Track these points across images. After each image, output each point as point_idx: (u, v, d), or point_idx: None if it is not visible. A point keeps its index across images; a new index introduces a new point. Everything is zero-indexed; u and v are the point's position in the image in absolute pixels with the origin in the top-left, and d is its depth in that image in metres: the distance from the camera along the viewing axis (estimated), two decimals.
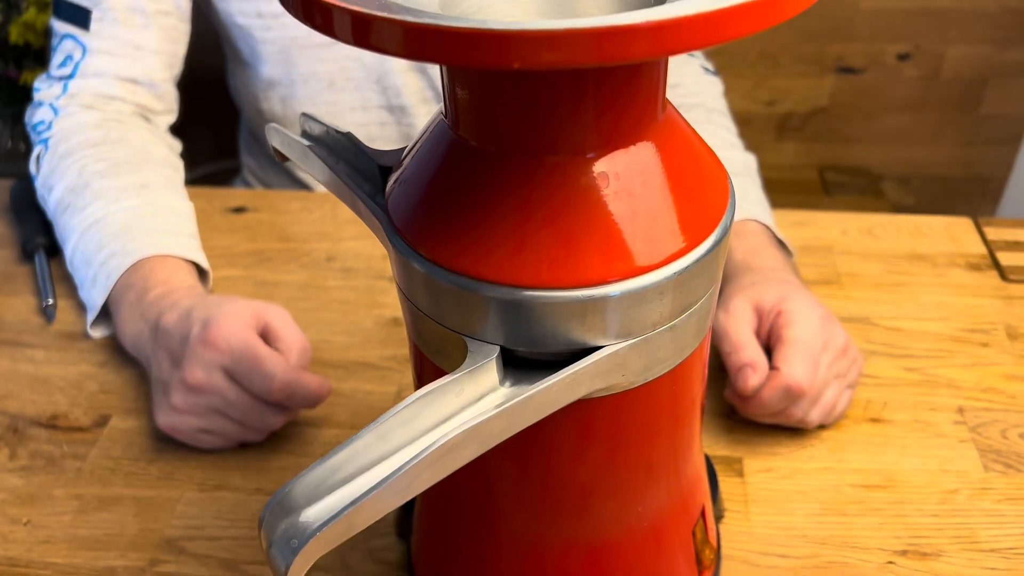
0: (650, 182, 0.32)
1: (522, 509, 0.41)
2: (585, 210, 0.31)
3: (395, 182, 0.36)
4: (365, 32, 0.24)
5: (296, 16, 0.26)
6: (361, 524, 0.30)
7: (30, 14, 1.13)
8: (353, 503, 0.29)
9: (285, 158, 0.45)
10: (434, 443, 0.30)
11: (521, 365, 0.34)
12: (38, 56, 1.20)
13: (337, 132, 0.41)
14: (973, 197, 1.46)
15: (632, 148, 0.32)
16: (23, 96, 1.20)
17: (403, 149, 0.38)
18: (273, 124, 0.44)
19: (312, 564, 0.29)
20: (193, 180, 0.81)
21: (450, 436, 0.30)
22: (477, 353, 0.33)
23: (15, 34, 1.14)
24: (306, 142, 0.41)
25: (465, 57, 0.23)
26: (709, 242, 0.33)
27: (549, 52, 0.23)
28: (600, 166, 0.31)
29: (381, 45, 0.24)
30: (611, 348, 0.33)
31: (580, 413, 0.35)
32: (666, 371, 0.35)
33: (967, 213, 1.47)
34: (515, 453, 0.38)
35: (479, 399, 0.33)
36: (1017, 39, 1.30)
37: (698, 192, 0.33)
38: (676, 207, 0.32)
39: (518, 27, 0.23)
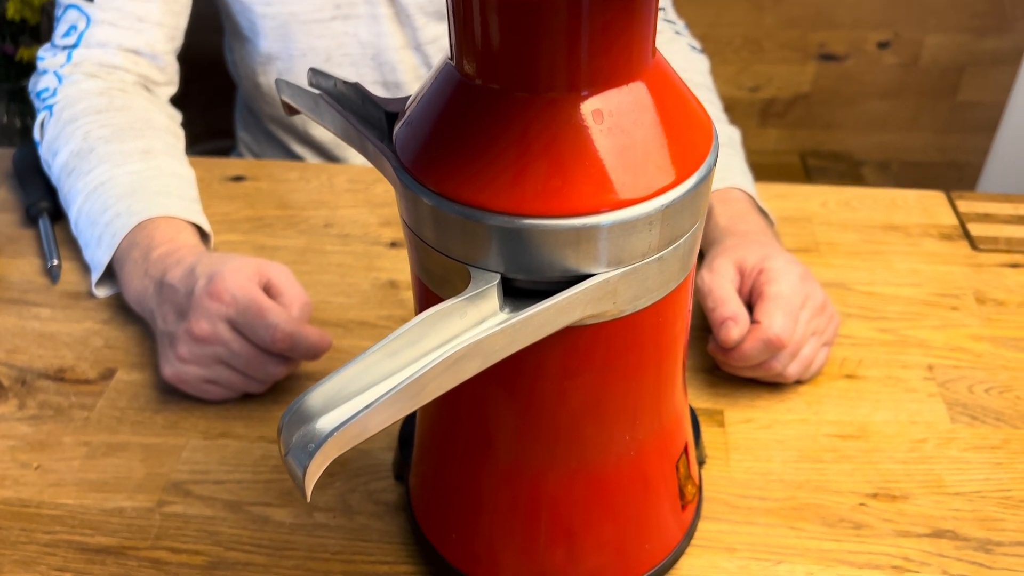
0: (640, 120, 0.35)
1: (516, 439, 0.43)
2: (580, 144, 0.34)
3: (402, 123, 0.39)
4: None
5: None
6: (374, 428, 0.32)
7: None
8: (367, 407, 0.31)
9: (294, 111, 0.48)
10: (442, 354, 0.32)
11: (519, 295, 0.36)
12: (34, 32, 1.21)
13: (345, 83, 0.43)
14: (950, 183, 1.50)
15: (624, 88, 0.34)
16: (19, 72, 1.21)
17: (407, 97, 0.41)
18: (281, 79, 0.46)
19: (327, 464, 0.32)
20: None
21: (457, 348, 0.32)
22: (479, 280, 0.36)
23: (12, 10, 1.15)
24: (316, 91, 0.44)
25: None
26: (694, 178, 0.36)
27: None
28: (594, 103, 0.34)
29: None
30: (603, 276, 0.35)
31: (573, 339, 0.38)
32: (653, 302, 0.38)
33: None
34: (511, 381, 0.41)
35: (481, 322, 0.35)
36: (993, 28, 1.34)
37: (684, 131, 0.36)
38: (664, 144, 0.35)
39: None
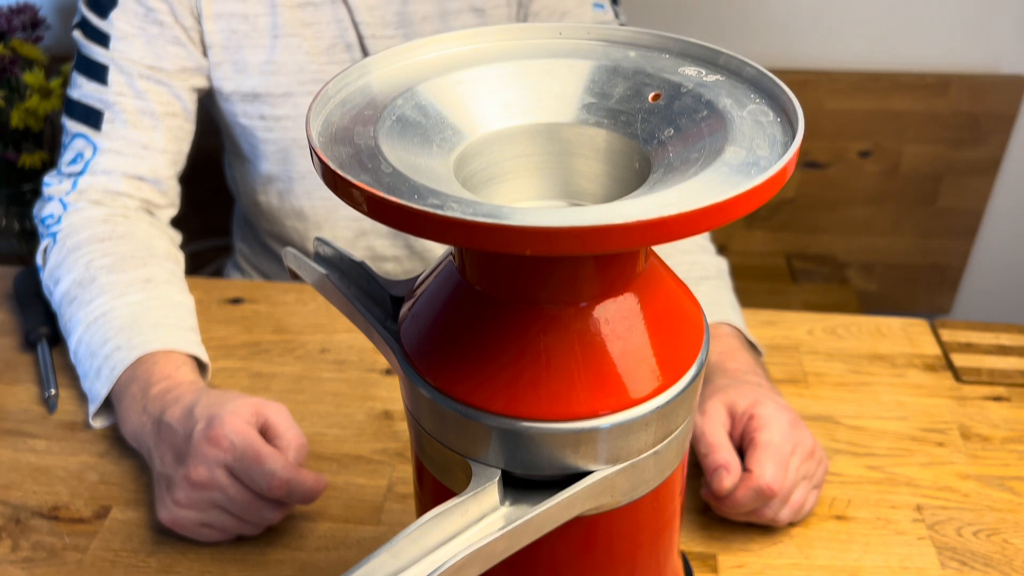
0: (635, 327, 0.36)
1: None
2: (578, 351, 0.35)
3: (407, 313, 0.40)
4: (402, 219, 0.28)
5: (337, 195, 0.31)
6: None
7: (33, 101, 1.17)
8: None
9: (299, 277, 0.49)
10: (443, 564, 0.33)
11: (519, 485, 0.37)
12: (36, 139, 1.24)
13: (351, 260, 0.45)
14: (932, 285, 1.53)
15: (619, 298, 0.36)
16: (20, 177, 1.24)
17: (413, 280, 0.43)
18: (290, 249, 0.48)
19: None
20: None
21: (458, 558, 0.33)
22: (480, 476, 0.37)
23: (16, 119, 1.18)
24: (322, 270, 0.45)
25: (486, 245, 0.28)
26: (687, 377, 0.37)
27: (556, 244, 0.27)
28: (592, 314, 0.35)
29: (412, 230, 0.28)
30: (601, 473, 0.37)
31: (571, 530, 0.39)
32: (650, 490, 0.39)
33: (927, 301, 1.54)
34: (511, 565, 0.41)
35: (481, 518, 0.36)
36: (968, 140, 1.39)
37: (677, 333, 0.38)
38: (658, 348, 0.37)
39: (530, 223, 0.27)
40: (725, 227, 1.52)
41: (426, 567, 0.34)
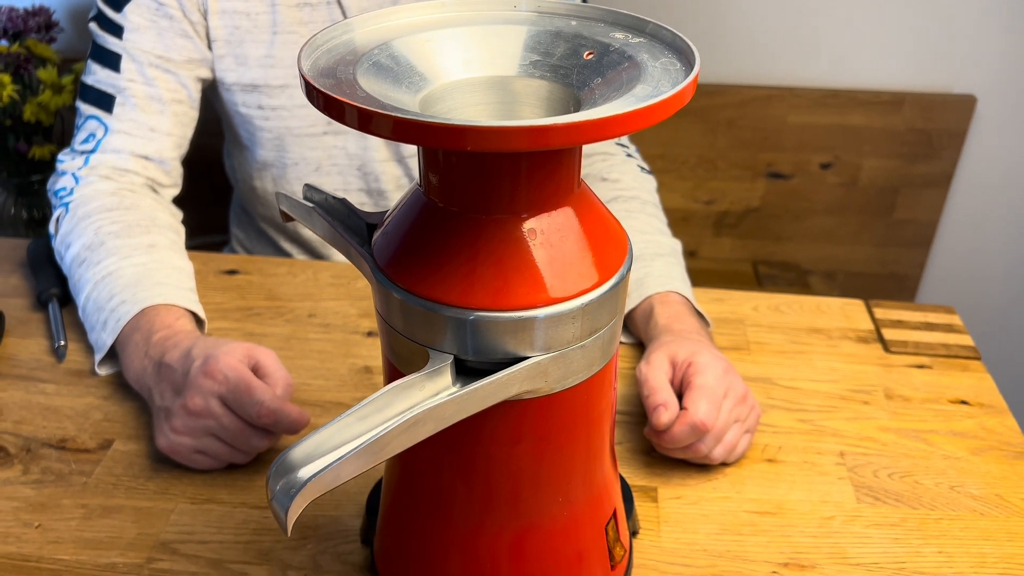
0: (567, 236, 0.44)
1: (466, 501, 0.51)
2: (519, 255, 0.43)
3: (380, 233, 0.48)
4: (368, 122, 0.36)
5: (318, 108, 0.39)
6: (345, 476, 0.40)
7: (45, 96, 1.25)
8: (339, 459, 0.39)
9: (290, 218, 0.57)
10: (400, 417, 0.41)
11: (469, 373, 0.45)
12: (47, 133, 1.31)
13: (334, 198, 0.53)
14: (891, 293, 1.61)
15: (555, 212, 0.44)
16: (29, 168, 1.31)
17: (384, 211, 0.50)
18: (282, 192, 0.56)
19: (306, 505, 0.39)
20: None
21: (414, 413, 0.41)
22: (436, 360, 0.44)
23: (28, 112, 1.25)
24: (310, 204, 0.53)
25: (435, 141, 0.35)
26: (610, 283, 0.45)
27: (490, 141, 0.35)
28: (530, 224, 0.43)
29: (379, 131, 0.36)
30: (535, 358, 0.44)
31: (512, 411, 0.46)
32: (579, 382, 0.47)
33: None
34: (461, 449, 0.48)
35: (436, 394, 0.44)
36: (922, 155, 1.48)
37: (603, 246, 0.45)
38: (586, 255, 0.44)
39: (470, 123, 0.35)
40: (695, 234, 1.60)
41: (386, 426, 0.41)
